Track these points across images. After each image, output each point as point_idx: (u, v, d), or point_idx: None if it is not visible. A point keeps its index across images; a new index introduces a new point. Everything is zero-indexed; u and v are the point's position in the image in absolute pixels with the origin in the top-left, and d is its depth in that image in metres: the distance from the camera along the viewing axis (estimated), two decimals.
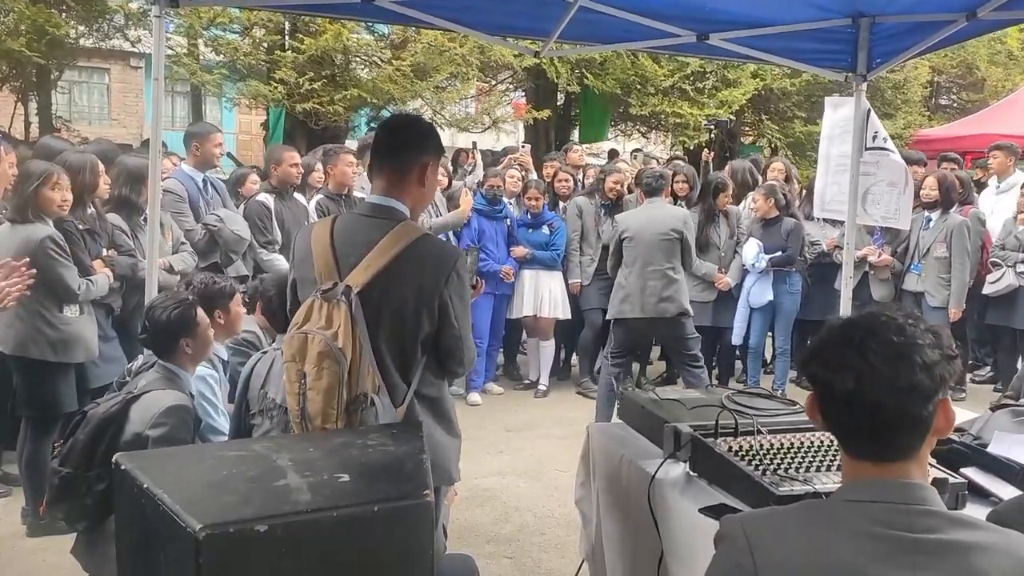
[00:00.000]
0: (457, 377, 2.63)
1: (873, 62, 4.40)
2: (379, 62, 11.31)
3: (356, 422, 2.23)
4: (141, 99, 19.01)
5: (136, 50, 13.43)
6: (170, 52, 11.03)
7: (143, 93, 18.94)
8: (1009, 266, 6.57)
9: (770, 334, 6.98)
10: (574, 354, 7.64)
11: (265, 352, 2.94)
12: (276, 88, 10.19)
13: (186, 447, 2.46)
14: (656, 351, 7.94)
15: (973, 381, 7.58)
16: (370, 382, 2.24)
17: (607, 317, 5.94)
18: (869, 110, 4.62)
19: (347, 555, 1.61)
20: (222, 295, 3.31)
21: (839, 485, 2.08)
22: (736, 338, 6.78)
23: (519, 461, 5.48)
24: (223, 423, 3.14)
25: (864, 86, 4.52)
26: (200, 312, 3.04)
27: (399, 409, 2.31)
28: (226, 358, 3.40)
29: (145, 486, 1.68)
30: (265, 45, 10.86)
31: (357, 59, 11.29)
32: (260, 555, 1.53)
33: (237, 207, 5.59)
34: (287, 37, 10.96)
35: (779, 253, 6.57)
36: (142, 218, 4.58)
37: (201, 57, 11.28)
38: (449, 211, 6.62)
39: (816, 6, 4.10)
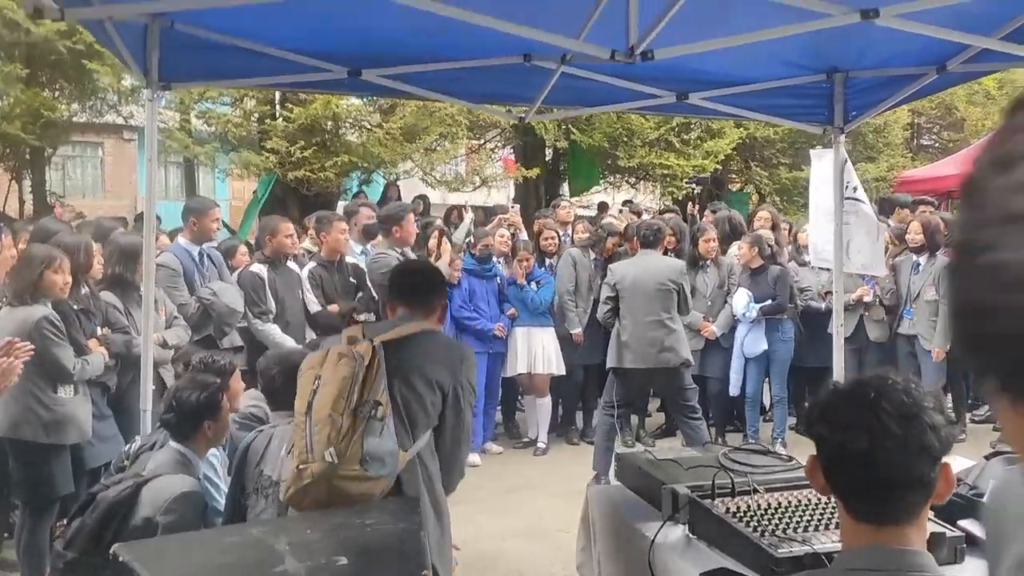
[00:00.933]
0: (452, 475, 2.70)
1: (849, 115, 4.51)
2: (368, 126, 11.48)
3: (362, 427, 2.27)
4: (134, 171, 19.20)
5: (129, 124, 13.62)
6: (162, 126, 11.22)
7: (136, 165, 19.13)
8: None
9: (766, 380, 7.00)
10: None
11: (261, 430, 2.95)
12: (268, 158, 10.33)
13: (185, 534, 2.45)
14: (655, 402, 7.94)
15: (972, 421, 7.58)
16: (383, 395, 2.33)
17: (607, 366, 5.94)
18: (846, 161, 4.72)
19: None
20: (221, 372, 3.32)
21: (837, 544, 2.12)
22: (733, 389, 6.79)
23: (521, 522, 5.44)
24: (220, 505, 3.13)
25: (842, 138, 4.62)
26: (224, 397, 3.07)
27: (403, 455, 2.37)
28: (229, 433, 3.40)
29: None
30: (256, 115, 11.04)
31: (347, 124, 11.46)
32: None
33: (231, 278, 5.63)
34: (278, 107, 11.14)
35: (769, 302, 6.62)
36: (136, 294, 4.61)
37: (193, 129, 11.45)
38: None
39: (791, 64, 4.22)
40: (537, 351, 6.93)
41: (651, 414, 7.87)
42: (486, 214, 8.96)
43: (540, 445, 7.04)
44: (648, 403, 7.63)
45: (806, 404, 1.67)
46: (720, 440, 7.02)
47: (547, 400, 7.10)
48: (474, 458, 6.68)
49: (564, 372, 6.99)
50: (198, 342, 4.97)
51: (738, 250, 6.93)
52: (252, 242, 7.37)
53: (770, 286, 6.68)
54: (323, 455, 2.23)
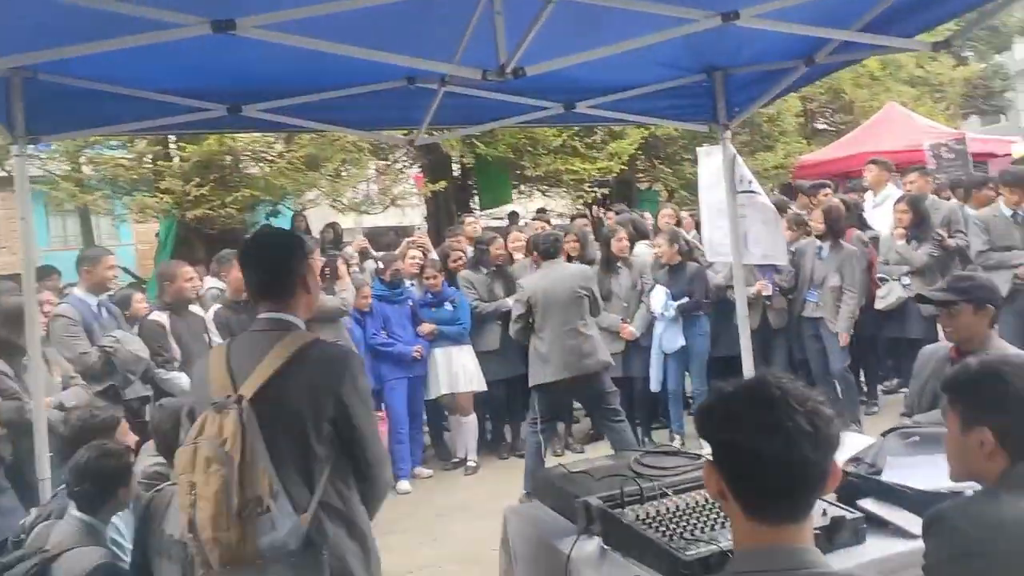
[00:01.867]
0: (374, 494, 2.54)
1: (732, 111, 4.63)
2: (268, 158, 11.27)
3: (251, 530, 2.17)
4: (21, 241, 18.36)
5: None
6: (50, 174, 10.78)
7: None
8: (895, 279, 6.88)
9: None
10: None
11: (160, 489, 2.84)
12: (163, 199, 10.02)
13: None
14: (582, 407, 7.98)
15: (884, 393, 7.85)
16: (265, 487, 2.19)
17: (530, 384, 5.92)
18: (735, 156, 4.84)
19: None
20: (105, 428, 3.20)
21: None
22: (654, 385, 6.87)
23: (454, 546, 5.37)
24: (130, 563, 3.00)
25: (728, 134, 4.74)
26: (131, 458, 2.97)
27: (303, 516, 2.26)
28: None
29: None
30: (149, 156, 10.71)
31: (246, 158, 11.22)
32: None
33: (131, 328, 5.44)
34: (172, 145, 10.82)
35: (686, 299, 6.73)
36: (24, 358, 4.41)
37: (84, 176, 11.02)
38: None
39: (671, 66, 4.32)
40: (458, 370, 6.89)
41: (579, 420, 7.90)
42: (396, 235, 8.87)
43: (470, 464, 7.00)
44: (572, 411, 7.66)
45: (695, 411, 1.67)
46: (647, 438, 7.11)
47: (472, 418, 7.06)
48: (404, 484, 6.62)
49: (486, 388, 6.96)
50: (100, 393, 4.78)
51: (656, 248, 7.01)
52: None
53: (687, 283, 6.80)
54: (219, 569, 2.19)
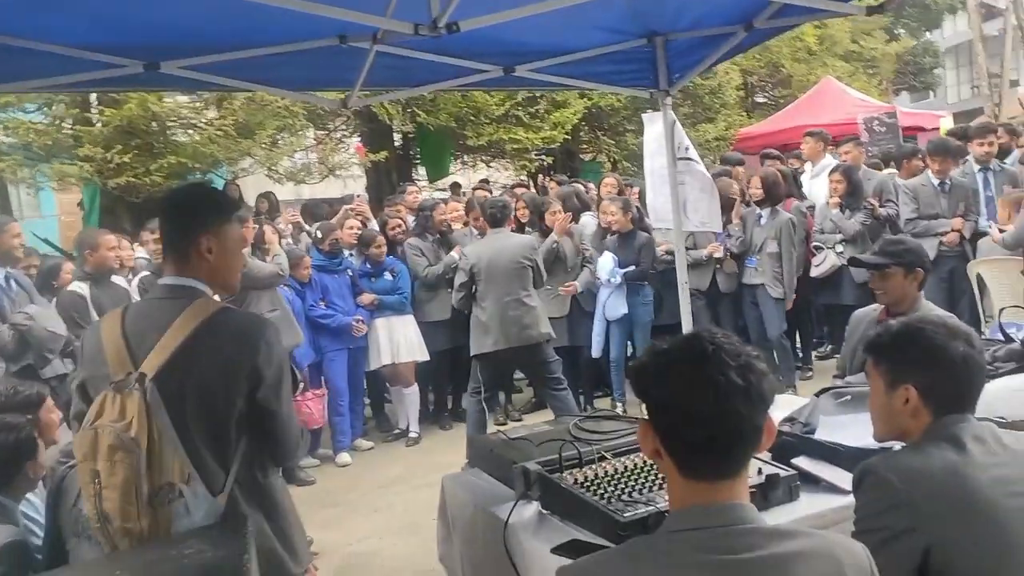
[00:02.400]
0: (282, 462, 2.42)
1: (672, 77, 4.60)
2: (198, 124, 10.88)
3: (164, 517, 2.04)
4: None
5: None
6: None
7: None
8: (829, 248, 7.00)
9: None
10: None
11: (72, 466, 2.71)
12: (83, 167, 9.56)
13: None
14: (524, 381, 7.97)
15: (818, 358, 8.02)
16: (176, 471, 2.06)
17: (471, 354, 5.87)
18: (674, 122, 4.82)
19: None
20: (28, 404, 3.04)
21: None
22: (595, 351, 6.88)
23: (396, 518, 5.32)
24: (43, 542, 2.87)
25: (668, 100, 4.71)
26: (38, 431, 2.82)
27: (219, 497, 2.13)
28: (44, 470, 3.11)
29: None
30: (69, 121, 10.21)
31: (173, 124, 10.80)
32: None
33: (50, 301, 5.20)
34: (93, 110, 10.35)
35: (632, 267, 6.74)
36: None
37: None
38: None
39: (611, 30, 4.25)
40: (399, 340, 6.80)
41: (520, 389, 7.90)
42: (331, 207, 8.68)
43: (412, 435, 6.94)
44: (513, 381, 7.65)
45: (628, 368, 1.63)
46: (589, 406, 7.13)
47: (414, 388, 6.99)
48: (344, 457, 6.54)
49: (428, 358, 6.89)
50: (16, 373, 4.57)
51: (608, 216, 6.98)
52: None
53: (635, 252, 6.81)
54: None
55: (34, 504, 3.01)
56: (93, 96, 9.93)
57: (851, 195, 6.94)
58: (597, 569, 1.43)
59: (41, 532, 2.91)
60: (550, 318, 6.80)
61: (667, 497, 2.16)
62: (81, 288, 5.18)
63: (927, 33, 29.69)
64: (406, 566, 4.56)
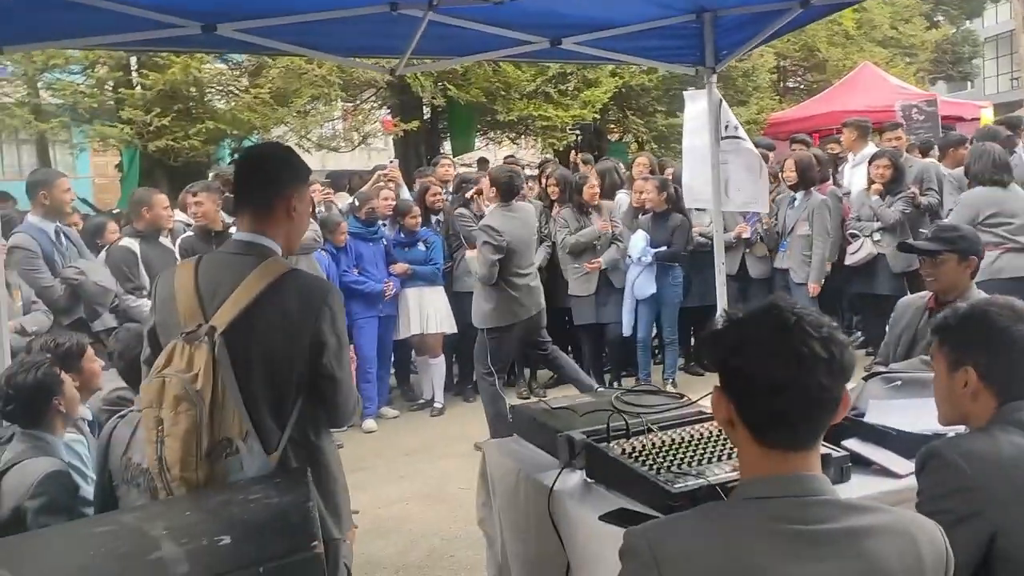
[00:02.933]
0: (338, 424, 2.47)
1: (720, 54, 4.56)
2: (235, 91, 10.94)
3: (219, 470, 2.09)
4: None
5: None
6: (8, 100, 10.34)
7: None
8: (866, 236, 6.93)
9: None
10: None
11: (123, 415, 2.76)
12: (124, 129, 9.67)
13: (51, 528, 2.26)
14: None
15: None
16: (236, 427, 2.10)
17: (489, 326, 5.70)
18: (721, 101, 4.78)
19: None
20: (69, 356, 3.10)
21: (730, 475, 2.15)
22: (625, 329, 6.88)
23: (421, 484, 5.38)
24: (91, 489, 2.93)
25: (714, 78, 4.68)
26: (61, 369, 2.88)
27: (272, 455, 2.16)
28: (90, 418, 3.18)
29: None
30: (110, 84, 10.31)
31: (211, 90, 10.88)
32: None
33: (96, 256, 5.27)
34: (134, 73, 10.44)
35: (664, 248, 6.73)
36: None
37: (41, 102, 10.59)
38: (324, 238, 6.43)
39: (661, 4, 4.22)
40: (429, 311, 6.84)
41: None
42: (361, 179, 8.69)
43: (436, 405, 6.99)
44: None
45: (700, 337, 1.63)
46: (616, 384, 7.14)
47: (441, 360, 7.04)
48: (370, 424, 6.60)
49: (456, 331, 6.92)
50: (69, 326, 4.64)
51: (643, 194, 6.95)
52: None
53: (668, 232, 6.79)
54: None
55: (80, 455, 3.07)
56: (134, 60, 10.01)
57: (893, 182, 6.86)
58: (672, 529, 1.44)
59: (86, 483, 2.97)
60: (578, 296, 6.87)
61: (717, 472, 2.23)
62: (132, 244, 5.25)
63: (967, 22, 29.14)
64: (433, 531, 4.62)
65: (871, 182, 6.95)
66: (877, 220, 6.87)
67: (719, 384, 1.48)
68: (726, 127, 4.79)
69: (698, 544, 1.37)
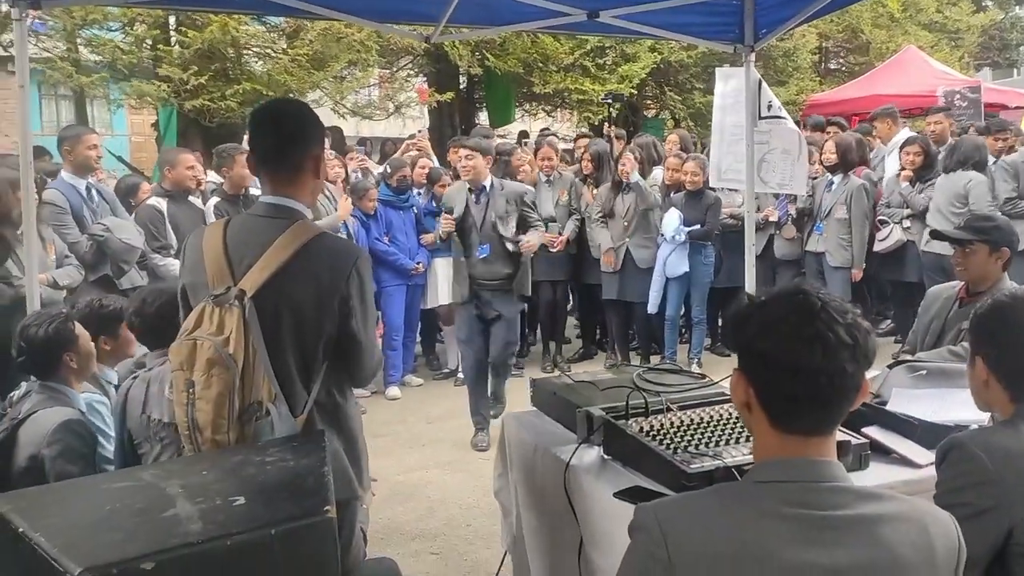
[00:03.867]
0: (361, 384, 2.50)
1: (759, 32, 4.48)
2: (273, 53, 10.96)
3: (249, 433, 2.11)
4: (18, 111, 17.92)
5: (11, 54, 12.64)
6: (48, 55, 10.45)
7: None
8: (896, 222, 6.82)
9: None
10: None
11: (136, 375, 2.79)
12: (161, 86, 9.74)
13: (69, 482, 2.31)
14: (573, 332, 8.00)
15: (877, 334, 7.87)
16: (265, 390, 2.12)
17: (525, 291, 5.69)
18: (760, 80, 4.70)
19: None
20: (110, 319, 3.13)
21: (747, 457, 2.14)
22: (652, 307, 6.85)
23: (442, 453, 5.43)
24: (109, 454, 2.97)
25: (752, 56, 4.59)
26: (77, 324, 2.90)
27: (299, 418, 2.19)
28: (116, 383, 3.22)
29: (21, 530, 1.56)
30: (148, 41, 10.38)
31: (249, 51, 10.90)
32: None
33: (130, 216, 5.32)
34: (172, 31, 10.50)
35: (698, 227, 6.67)
36: (18, 232, 4.33)
37: (80, 59, 10.70)
38: (353, 204, 6.45)
39: None
40: None
41: (570, 340, 7.92)
42: (394, 143, 8.70)
43: (460, 375, 7.01)
44: (564, 330, 7.68)
45: (724, 318, 1.58)
46: (644, 362, 7.12)
47: None
48: (394, 391, 6.66)
49: None
50: (94, 283, 4.71)
51: (687, 175, 6.89)
52: None
53: (702, 211, 6.73)
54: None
55: (103, 415, 3.08)
56: (172, 19, 10.06)
57: (924, 168, 6.72)
58: (683, 507, 1.44)
59: (105, 440, 3.00)
60: (605, 272, 6.84)
61: (734, 454, 2.22)
62: (159, 203, 5.30)
63: (1017, 7, 28.31)
64: (451, 499, 4.66)
65: (902, 168, 6.83)
66: (907, 207, 6.75)
67: (739, 366, 1.46)
68: (769, 107, 4.70)
69: (707, 524, 1.37)
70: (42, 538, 1.50)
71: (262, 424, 2.11)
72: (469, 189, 5.38)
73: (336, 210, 6.13)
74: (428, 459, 5.33)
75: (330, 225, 5.96)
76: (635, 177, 6.79)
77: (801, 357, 1.35)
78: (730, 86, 4.97)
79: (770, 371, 1.40)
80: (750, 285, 4.86)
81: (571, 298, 7.94)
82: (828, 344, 1.34)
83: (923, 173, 6.71)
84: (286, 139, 2.30)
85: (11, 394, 3.02)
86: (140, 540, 1.50)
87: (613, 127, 8.44)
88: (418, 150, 7.60)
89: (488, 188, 5.38)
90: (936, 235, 3.62)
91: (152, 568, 1.42)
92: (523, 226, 5.40)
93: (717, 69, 5.26)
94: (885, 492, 1.45)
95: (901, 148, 6.95)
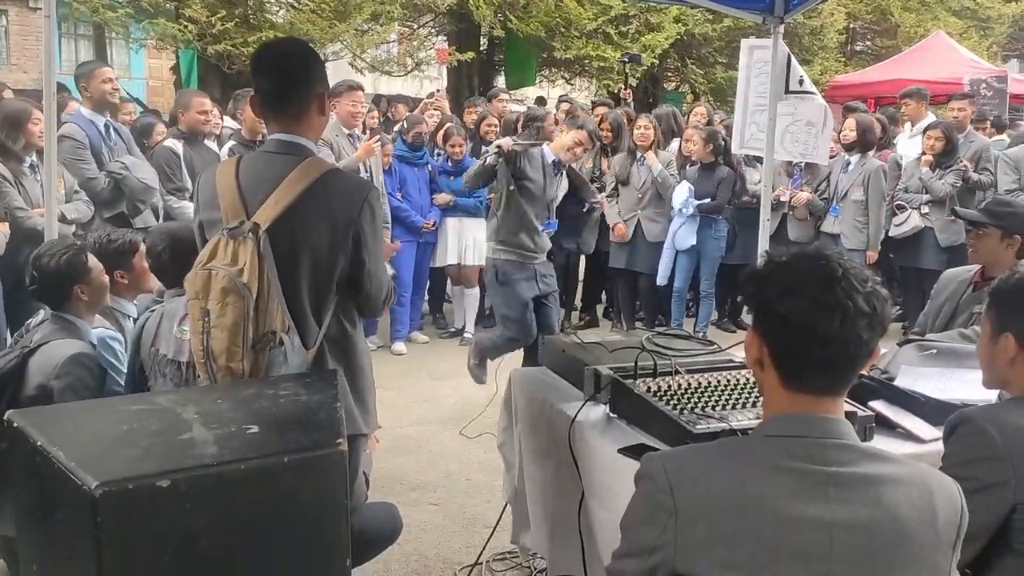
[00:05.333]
0: (370, 315, 2.53)
1: (790, 4, 4.42)
2: (296, 2, 10.88)
3: (263, 362, 2.15)
4: (41, 42, 17.89)
5: None
6: None
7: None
8: (914, 208, 6.78)
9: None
10: None
11: (153, 310, 2.82)
12: (186, 28, 9.69)
13: (85, 402, 2.35)
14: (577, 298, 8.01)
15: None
16: (279, 320, 2.16)
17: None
18: (789, 55, 4.66)
19: (256, 509, 1.57)
20: (120, 252, 3.14)
21: (753, 421, 2.16)
22: (660, 279, 6.83)
23: (444, 410, 5.47)
24: (120, 390, 3.00)
25: (781, 28, 4.54)
26: (91, 257, 2.90)
27: (310, 352, 2.23)
28: (135, 315, 3.24)
29: (39, 444, 1.59)
30: None
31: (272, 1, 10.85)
32: (162, 512, 1.47)
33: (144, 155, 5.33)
34: None
35: (708, 200, 6.63)
36: (26, 166, 4.35)
37: None
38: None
39: None
40: (468, 242, 6.86)
41: (578, 308, 7.93)
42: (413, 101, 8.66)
43: (467, 335, 7.04)
44: (576, 296, 7.70)
45: (743, 276, 1.58)
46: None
47: (476, 291, 7.06)
48: (400, 346, 6.70)
49: None
50: (109, 219, 4.72)
51: (688, 144, 6.85)
52: None
53: (714, 185, 6.68)
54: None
55: (115, 351, 3.10)
56: None
57: (945, 154, 6.66)
58: (690, 457, 1.46)
59: (117, 376, 3.01)
60: (615, 242, 6.84)
61: (739, 418, 2.24)
62: (175, 146, 5.30)
63: None
64: (450, 454, 4.71)
65: (923, 153, 6.77)
66: (926, 192, 6.70)
67: (754, 324, 1.47)
68: (800, 82, 4.67)
69: (712, 474, 1.39)
70: (60, 452, 1.53)
71: (275, 354, 2.15)
72: (554, 161, 5.01)
73: None
74: (431, 415, 5.38)
75: (348, 166, 5.91)
76: (656, 168, 6.73)
77: (819, 323, 1.36)
78: (755, 57, 4.93)
79: (787, 335, 1.41)
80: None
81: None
82: (847, 312, 1.36)
83: (944, 159, 6.65)
84: (289, 79, 2.32)
85: (28, 321, 3.06)
86: (156, 459, 1.53)
87: (629, 91, 8.34)
88: (436, 109, 7.56)
89: (557, 164, 5.05)
90: (955, 213, 3.59)
91: (167, 486, 1.46)
92: None
93: (743, 40, 5.22)
94: (891, 454, 1.47)
95: (924, 132, 6.89)
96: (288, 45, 2.72)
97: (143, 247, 3.29)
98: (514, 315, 4.87)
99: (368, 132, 7.20)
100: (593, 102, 10.83)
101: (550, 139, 6.96)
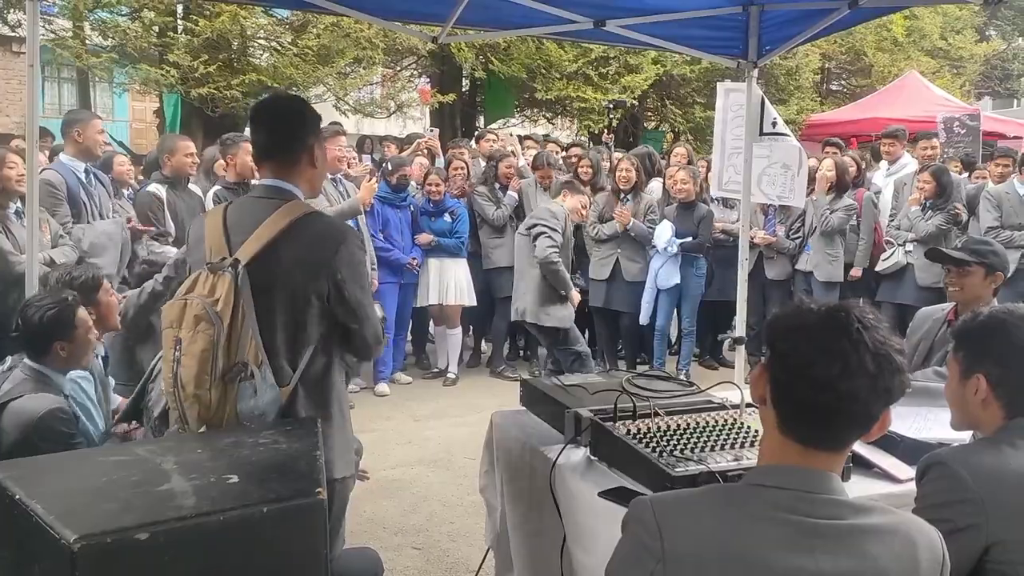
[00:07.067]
0: (365, 357, 2.58)
1: (763, 49, 4.52)
2: (279, 46, 11.00)
3: (232, 393, 2.17)
4: (24, 86, 17.91)
5: (17, 35, 12.63)
6: (54, 36, 10.46)
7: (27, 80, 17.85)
8: (899, 244, 6.87)
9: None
10: (483, 340, 7.69)
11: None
12: (169, 72, 9.78)
13: (63, 454, 2.33)
14: None
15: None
16: (251, 353, 2.19)
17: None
18: (763, 98, 4.76)
19: (236, 560, 1.56)
20: (84, 289, 3.13)
21: (732, 463, 2.18)
22: (643, 318, 6.88)
23: (428, 450, 5.45)
24: (94, 428, 2.97)
25: (755, 72, 4.64)
26: (82, 314, 2.89)
27: (284, 390, 2.25)
28: (103, 352, 3.22)
29: (17, 497, 1.59)
30: (156, 28, 10.40)
31: (256, 43, 10.94)
32: (141, 565, 1.47)
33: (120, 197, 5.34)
34: (180, 19, 10.52)
35: (690, 239, 6.71)
36: (11, 211, 4.36)
37: (88, 41, 10.71)
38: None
39: None
40: (449, 282, 6.89)
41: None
42: (400, 144, 8.74)
43: (450, 375, 7.05)
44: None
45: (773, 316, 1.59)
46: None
47: (458, 331, 7.09)
48: (383, 388, 6.67)
49: (475, 303, 6.97)
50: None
51: (678, 183, 6.94)
52: None
53: (694, 223, 6.77)
54: (197, 429, 2.18)
55: (85, 391, 3.06)
56: (179, 5, 10.08)
57: (938, 196, 6.76)
58: (679, 502, 1.46)
59: (90, 422, 2.99)
60: (594, 279, 6.91)
61: (718, 460, 2.26)
62: (158, 190, 5.32)
63: (1020, 39, 28.52)
64: (435, 496, 4.69)
65: (914, 192, 6.89)
66: (912, 232, 6.81)
67: (764, 362, 1.48)
68: (774, 124, 4.77)
69: (701, 521, 1.40)
70: (38, 505, 1.53)
71: (245, 386, 2.17)
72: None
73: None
74: (414, 457, 5.35)
75: (351, 207, 5.92)
76: (629, 224, 6.83)
77: (816, 366, 1.36)
78: (731, 100, 5.04)
79: (786, 374, 1.41)
80: (741, 301, 4.90)
81: None
82: (848, 363, 1.34)
83: (937, 201, 6.73)
84: (282, 133, 2.44)
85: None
86: (135, 511, 1.53)
87: (612, 135, 8.48)
88: (428, 150, 7.63)
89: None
90: (934, 254, 3.64)
91: (146, 539, 1.45)
92: None
93: (719, 83, 5.33)
94: (877, 505, 1.46)
95: (916, 175, 6.99)
96: (283, 101, 2.85)
97: (107, 283, 3.27)
98: None
99: (358, 175, 7.28)
100: (569, 144, 10.99)
101: (506, 179, 7.14)
